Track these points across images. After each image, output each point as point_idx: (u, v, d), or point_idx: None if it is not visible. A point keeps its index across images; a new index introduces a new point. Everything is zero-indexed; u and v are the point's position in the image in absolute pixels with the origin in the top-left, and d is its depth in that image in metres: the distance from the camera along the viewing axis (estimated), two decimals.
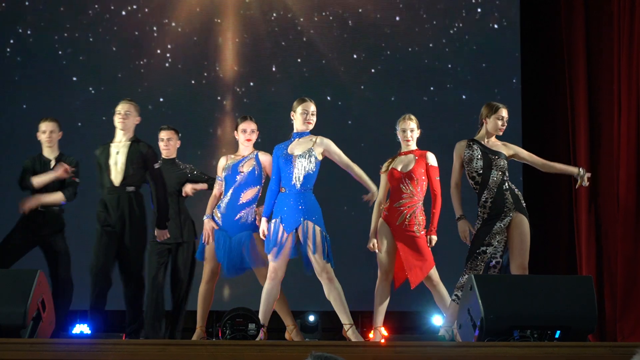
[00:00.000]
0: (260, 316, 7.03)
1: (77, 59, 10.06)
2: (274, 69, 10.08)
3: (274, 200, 7.28)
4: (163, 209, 7.68)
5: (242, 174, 7.61)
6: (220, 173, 7.70)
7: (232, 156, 7.76)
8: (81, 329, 8.01)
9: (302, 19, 10.11)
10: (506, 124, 7.35)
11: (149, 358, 5.36)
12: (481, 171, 7.23)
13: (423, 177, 7.51)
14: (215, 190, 7.77)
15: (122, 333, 7.24)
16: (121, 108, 7.60)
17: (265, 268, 7.35)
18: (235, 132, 7.75)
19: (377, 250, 7.57)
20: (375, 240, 7.59)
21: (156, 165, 7.63)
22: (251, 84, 10.11)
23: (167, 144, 8.16)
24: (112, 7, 10.07)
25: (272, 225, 7.19)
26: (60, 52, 10.08)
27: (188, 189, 8.08)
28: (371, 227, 7.66)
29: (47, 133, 7.73)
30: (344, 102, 10.11)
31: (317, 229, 7.15)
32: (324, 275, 7.11)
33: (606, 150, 9.38)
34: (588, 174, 7.28)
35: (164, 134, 8.20)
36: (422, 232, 7.48)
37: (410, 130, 7.61)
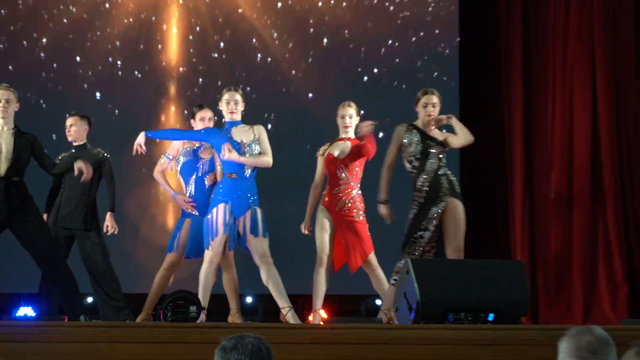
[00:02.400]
0: (201, 297, 7.02)
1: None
2: (215, 55, 9.99)
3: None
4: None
5: (203, 160, 7.64)
6: (174, 153, 7.73)
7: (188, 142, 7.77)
8: (25, 311, 7.95)
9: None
10: (434, 109, 7.32)
11: (90, 340, 5.32)
12: (419, 156, 7.24)
13: (357, 164, 7.54)
14: (159, 167, 7.75)
15: (64, 316, 7.20)
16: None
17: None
18: (193, 120, 7.74)
19: (306, 232, 7.66)
20: (307, 223, 7.68)
21: (45, 151, 7.33)
22: (197, 70, 10.03)
23: (69, 129, 7.84)
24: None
25: (222, 210, 7.16)
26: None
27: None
28: (307, 210, 7.71)
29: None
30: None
31: (262, 215, 7.19)
32: (264, 260, 7.11)
33: (540, 144, 9.44)
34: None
35: (68, 121, 7.87)
36: (362, 218, 7.50)
37: (349, 116, 7.62)
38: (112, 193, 7.78)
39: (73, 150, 7.75)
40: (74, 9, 9.81)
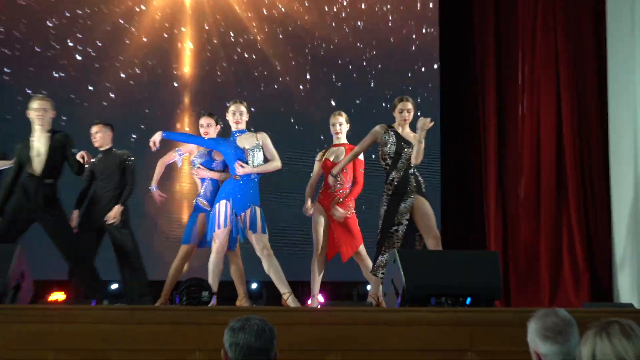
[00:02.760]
0: (211, 283, 7.04)
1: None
2: (224, 64, 9.97)
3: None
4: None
5: (217, 161, 7.64)
6: (186, 151, 7.79)
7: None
8: (57, 296, 7.94)
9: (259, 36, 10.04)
10: (409, 114, 7.33)
11: (116, 321, 5.32)
12: (393, 155, 7.24)
13: (349, 169, 7.57)
14: (166, 158, 7.77)
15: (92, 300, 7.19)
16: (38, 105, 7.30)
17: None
18: (201, 126, 7.72)
19: (308, 214, 7.78)
20: (307, 207, 7.79)
21: (73, 150, 7.36)
22: (208, 84, 10.02)
23: (95, 136, 7.85)
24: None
25: (223, 206, 7.20)
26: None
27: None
28: (306, 200, 7.83)
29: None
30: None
31: (261, 213, 7.25)
32: (264, 252, 7.19)
33: (511, 149, 9.46)
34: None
35: (93, 129, 7.88)
36: (352, 213, 7.54)
37: (339, 124, 7.72)
38: (130, 191, 7.77)
39: (99, 155, 7.76)
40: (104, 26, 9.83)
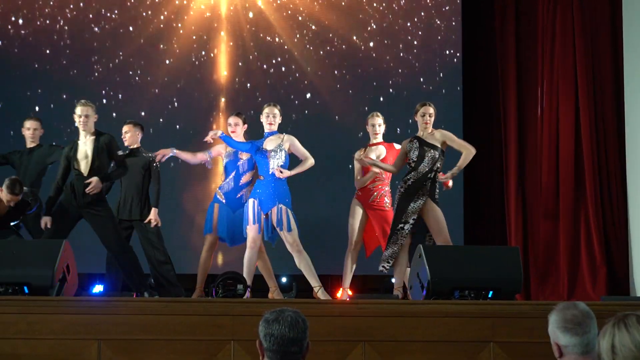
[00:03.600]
0: (246, 278, 7.06)
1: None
2: (258, 70, 9.99)
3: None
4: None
5: (242, 160, 7.66)
6: (215, 154, 7.82)
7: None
8: (99, 288, 8.00)
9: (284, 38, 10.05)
10: (430, 118, 7.38)
11: (154, 312, 5.37)
12: (416, 159, 7.31)
13: (391, 163, 7.59)
14: (199, 155, 7.81)
15: (132, 293, 7.24)
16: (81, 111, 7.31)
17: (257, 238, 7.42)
18: (229, 125, 7.77)
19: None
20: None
21: (119, 151, 7.40)
22: (246, 85, 10.03)
23: (124, 135, 7.88)
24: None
25: (251, 204, 7.24)
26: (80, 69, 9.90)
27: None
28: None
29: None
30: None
31: (288, 211, 7.25)
32: (294, 248, 7.21)
33: (531, 146, 9.41)
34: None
35: (124, 128, 7.93)
36: (389, 208, 7.56)
37: (378, 125, 7.75)
38: (157, 191, 7.75)
39: (127, 152, 7.81)
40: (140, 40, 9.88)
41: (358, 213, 7.65)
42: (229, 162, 7.71)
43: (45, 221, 7.16)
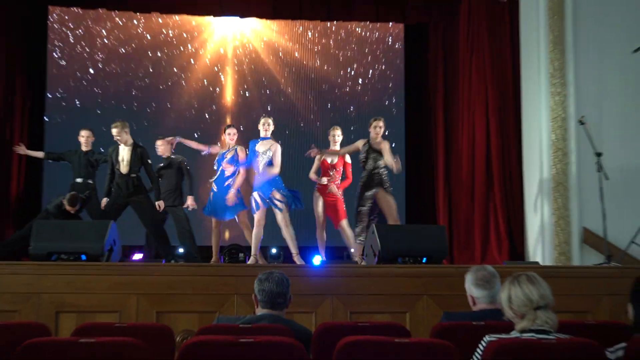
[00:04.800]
0: (252, 249, 7.05)
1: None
2: (252, 95, 10.01)
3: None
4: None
5: (227, 158, 7.57)
6: (215, 150, 7.77)
7: (219, 146, 7.85)
8: (139, 256, 7.97)
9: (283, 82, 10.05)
10: (380, 130, 7.41)
11: (178, 274, 5.36)
12: (364, 160, 7.37)
13: (340, 168, 7.60)
14: (201, 146, 7.80)
15: (162, 259, 7.23)
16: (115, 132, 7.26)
17: (240, 216, 7.44)
18: (223, 133, 7.73)
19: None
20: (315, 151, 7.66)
21: (149, 160, 7.39)
22: (245, 106, 10.04)
23: (158, 148, 7.97)
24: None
25: (255, 195, 7.22)
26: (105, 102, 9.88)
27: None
28: (316, 180, 7.74)
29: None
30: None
31: (281, 193, 7.16)
32: (282, 222, 7.15)
33: (455, 150, 9.47)
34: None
35: (157, 143, 8.00)
36: (340, 197, 7.59)
37: (337, 135, 7.73)
38: (190, 183, 7.88)
39: (165, 163, 7.88)
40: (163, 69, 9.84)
41: (320, 201, 7.65)
42: (218, 159, 7.64)
43: (104, 203, 7.29)
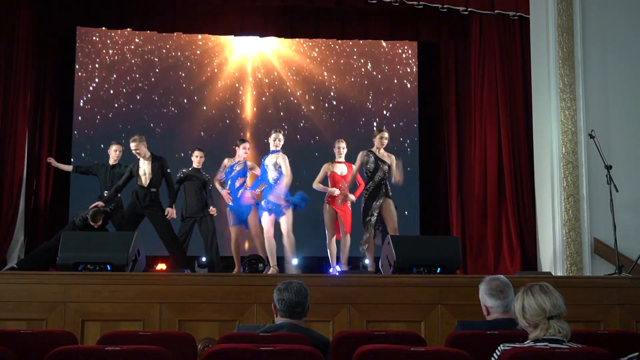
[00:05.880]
0: (270, 260, 7.04)
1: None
2: (270, 111, 10.03)
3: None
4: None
5: (235, 171, 7.59)
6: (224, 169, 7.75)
7: (229, 160, 7.80)
8: (162, 266, 8.00)
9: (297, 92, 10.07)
10: (385, 142, 7.47)
11: (201, 283, 5.36)
12: (372, 171, 7.35)
13: (349, 178, 7.57)
14: (218, 176, 7.76)
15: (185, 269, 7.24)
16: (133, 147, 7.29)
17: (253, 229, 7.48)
18: (237, 147, 7.71)
19: (334, 192, 7.55)
20: (333, 190, 7.55)
21: (168, 170, 7.43)
22: (262, 122, 10.07)
23: (194, 159, 7.97)
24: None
25: (264, 205, 7.21)
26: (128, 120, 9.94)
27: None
28: (323, 190, 7.65)
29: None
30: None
31: (284, 198, 7.16)
32: (285, 230, 7.17)
33: (467, 165, 9.41)
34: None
35: (194, 153, 8.01)
36: (349, 209, 7.63)
37: (343, 147, 7.73)
38: (209, 197, 7.85)
39: (188, 173, 7.89)
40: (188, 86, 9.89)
41: (331, 212, 7.60)
42: (227, 173, 7.65)
43: (99, 203, 7.28)
